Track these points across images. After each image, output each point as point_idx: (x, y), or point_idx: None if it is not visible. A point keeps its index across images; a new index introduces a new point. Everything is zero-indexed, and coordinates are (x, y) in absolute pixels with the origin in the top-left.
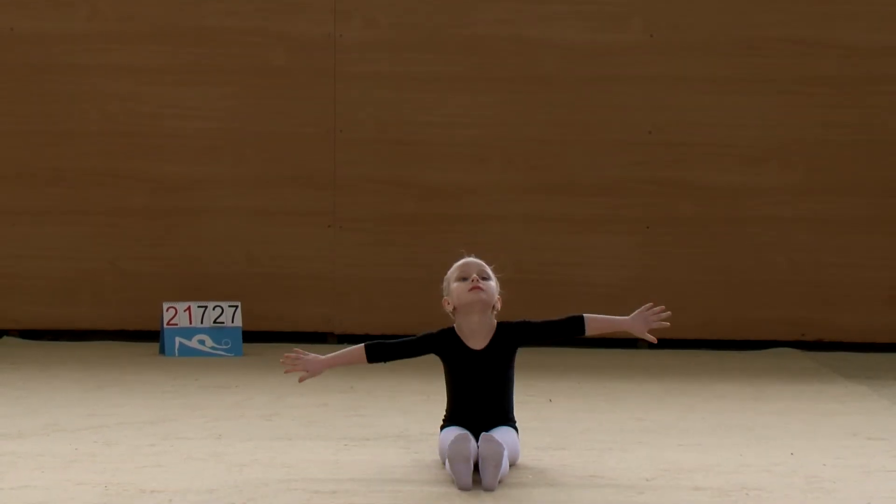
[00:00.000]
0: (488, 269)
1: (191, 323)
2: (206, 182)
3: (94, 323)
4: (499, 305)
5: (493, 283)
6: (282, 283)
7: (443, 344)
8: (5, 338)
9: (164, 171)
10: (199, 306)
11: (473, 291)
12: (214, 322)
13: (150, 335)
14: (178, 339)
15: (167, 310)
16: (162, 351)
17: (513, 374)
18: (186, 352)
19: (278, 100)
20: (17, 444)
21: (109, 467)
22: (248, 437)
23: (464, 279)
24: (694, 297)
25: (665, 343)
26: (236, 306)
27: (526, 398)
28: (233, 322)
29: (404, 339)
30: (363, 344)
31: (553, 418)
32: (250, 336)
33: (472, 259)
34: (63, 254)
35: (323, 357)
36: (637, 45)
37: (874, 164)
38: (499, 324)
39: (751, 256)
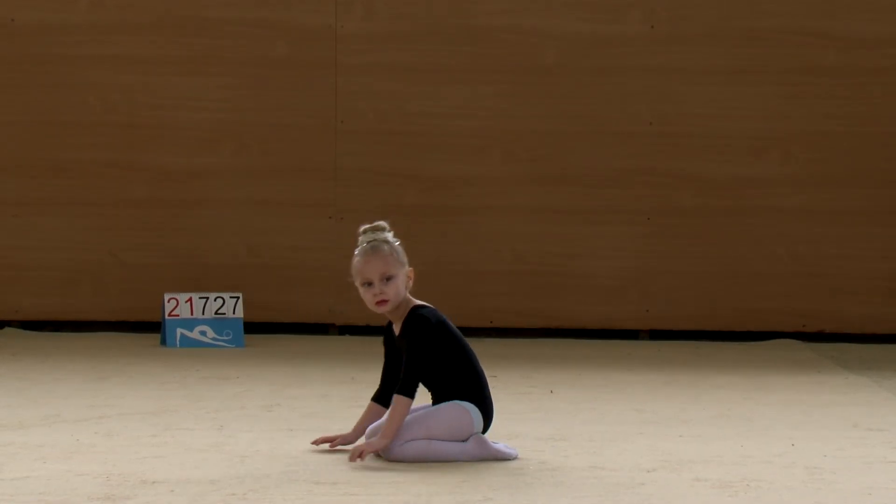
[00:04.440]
0: (390, 262)
1: (192, 314)
2: (207, 173)
3: (96, 314)
4: (410, 284)
5: (399, 279)
6: (283, 274)
7: (386, 336)
8: (6, 328)
9: (165, 162)
10: (200, 297)
11: (379, 306)
12: (216, 313)
13: (151, 326)
14: (179, 331)
15: (168, 301)
16: (163, 342)
17: (443, 355)
18: (188, 343)
19: (279, 91)
20: (17, 434)
21: (111, 458)
22: (250, 428)
23: (368, 284)
24: (695, 288)
25: (666, 334)
26: (238, 297)
27: (527, 389)
28: (234, 313)
29: (385, 363)
30: (371, 401)
31: (554, 409)
32: (252, 327)
33: (370, 254)
34: (64, 244)
35: (353, 431)
36: (637, 36)
37: (875, 155)
38: (411, 311)
39: (752, 247)
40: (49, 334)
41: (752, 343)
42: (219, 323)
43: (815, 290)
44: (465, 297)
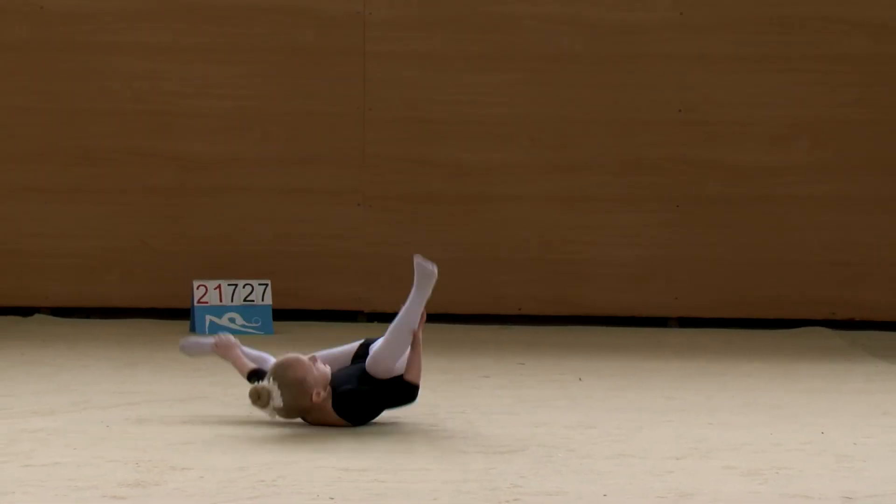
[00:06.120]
0: (298, 367)
1: (221, 301)
2: (236, 160)
3: (125, 301)
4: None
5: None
6: (311, 261)
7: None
8: (36, 315)
9: (194, 150)
10: (229, 284)
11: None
12: (245, 300)
13: (180, 313)
14: (208, 318)
15: (197, 288)
16: (192, 329)
17: None
18: (217, 330)
19: (307, 78)
20: (48, 421)
21: (140, 444)
22: None
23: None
24: (723, 276)
25: (694, 322)
26: (266, 284)
27: (556, 377)
28: (263, 300)
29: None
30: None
31: (582, 397)
32: (280, 314)
33: (290, 376)
34: (93, 232)
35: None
36: (666, 23)
37: None
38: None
39: (780, 235)
40: (78, 321)
41: (781, 331)
42: (248, 310)
43: (845, 278)
44: (493, 285)
